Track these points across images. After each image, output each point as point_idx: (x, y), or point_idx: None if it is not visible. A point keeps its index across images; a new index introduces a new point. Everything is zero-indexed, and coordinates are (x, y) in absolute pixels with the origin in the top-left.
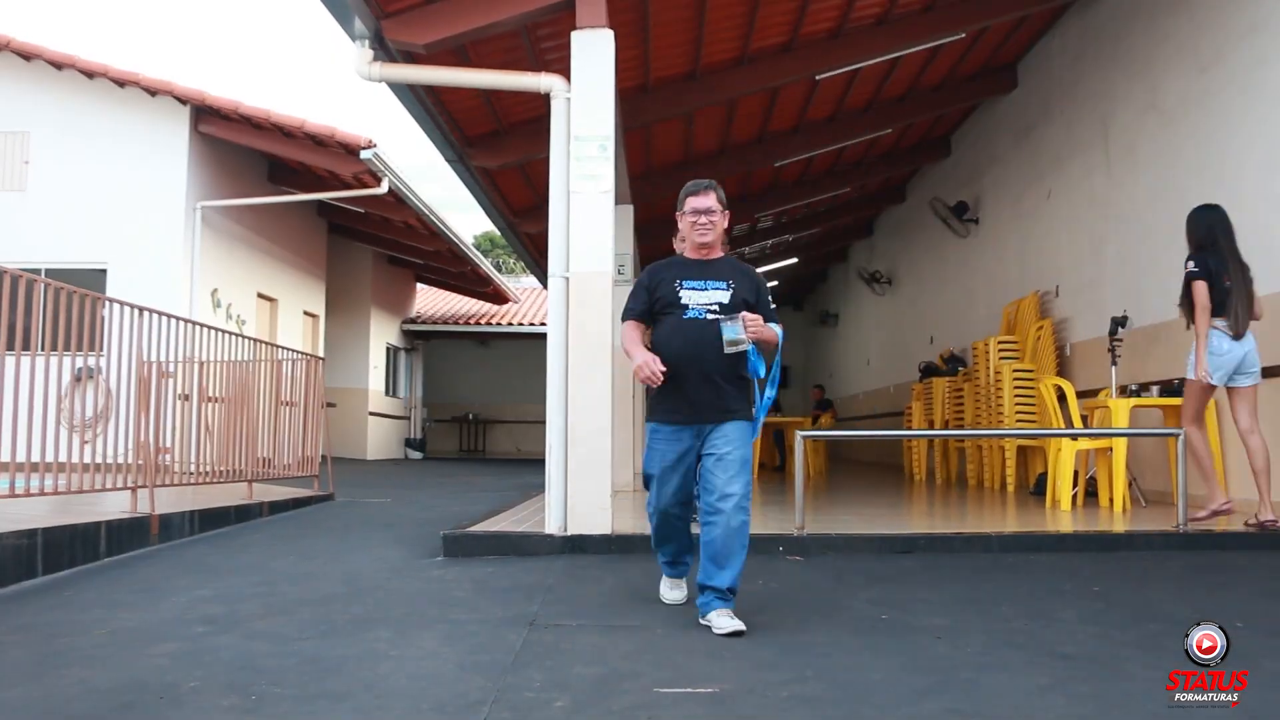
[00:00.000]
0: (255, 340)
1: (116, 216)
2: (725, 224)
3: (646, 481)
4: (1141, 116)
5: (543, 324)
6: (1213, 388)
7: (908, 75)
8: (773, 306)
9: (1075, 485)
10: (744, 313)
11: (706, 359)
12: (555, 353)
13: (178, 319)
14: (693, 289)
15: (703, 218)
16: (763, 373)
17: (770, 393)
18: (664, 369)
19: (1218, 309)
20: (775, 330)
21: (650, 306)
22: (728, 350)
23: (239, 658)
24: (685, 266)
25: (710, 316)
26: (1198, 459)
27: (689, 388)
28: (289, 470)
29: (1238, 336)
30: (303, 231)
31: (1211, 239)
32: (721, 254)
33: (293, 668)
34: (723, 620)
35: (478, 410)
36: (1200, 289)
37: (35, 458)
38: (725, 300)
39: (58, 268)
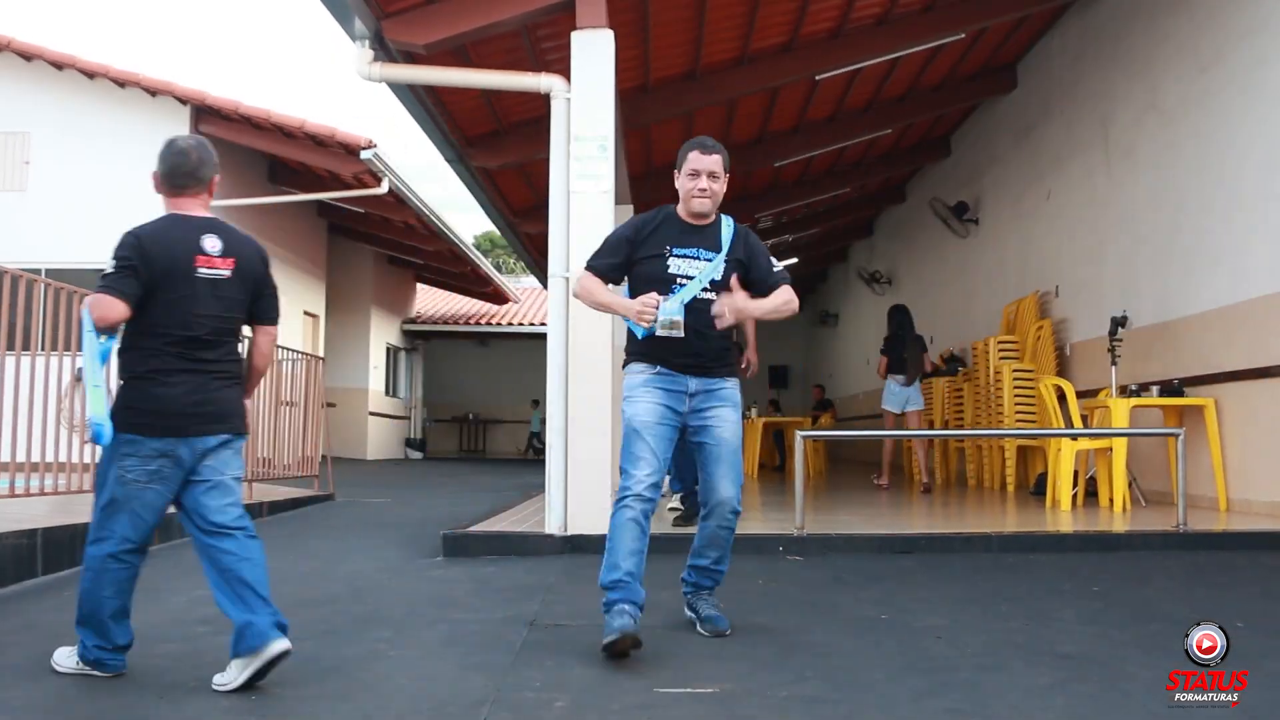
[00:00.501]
0: None
1: (117, 217)
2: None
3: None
4: (1141, 117)
5: (543, 324)
6: (895, 413)
7: (908, 75)
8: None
9: (1075, 485)
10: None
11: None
12: (555, 353)
13: None
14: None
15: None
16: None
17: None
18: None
19: (896, 369)
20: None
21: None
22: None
23: None
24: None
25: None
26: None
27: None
28: (289, 470)
29: (906, 384)
30: (303, 231)
31: (895, 328)
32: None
33: (293, 668)
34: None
35: (478, 410)
36: (881, 363)
37: (35, 457)
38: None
39: (58, 268)
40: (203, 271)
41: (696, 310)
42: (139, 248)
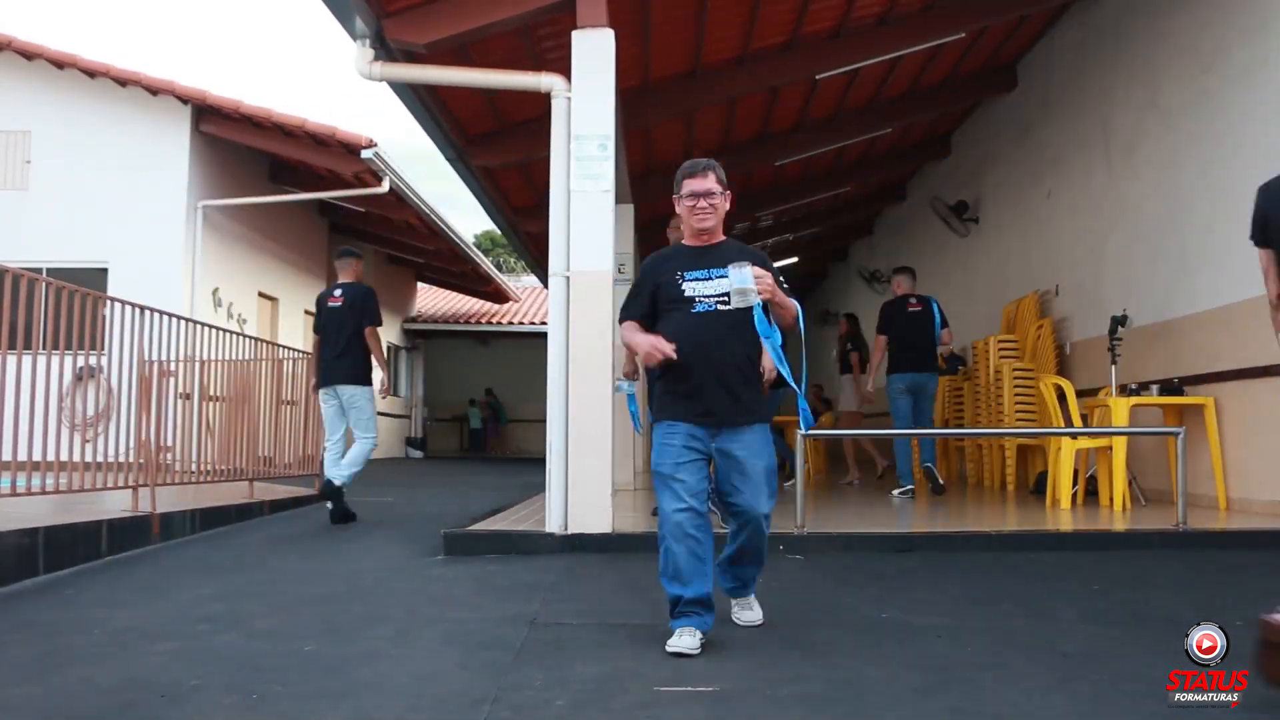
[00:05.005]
0: (256, 339)
1: (118, 216)
2: (727, 206)
3: (658, 488)
4: (1142, 116)
5: (544, 323)
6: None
7: (908, 75)
8: (785, 286)
9: (1075, 484)
10: (751, 265)
11: (721, 357)
12: (556, 352)
13: (179, 318)
14: (696, 279)
15: (702, 201)
16: (778, 340)
17: (787, 371)
18: (673, 347)
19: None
20: (793, 303)
21: (652, 306)
22: (735, 303)
23: (240, 656)
24: (686, 256)
25: (721, 308)
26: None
27: (704, 391)
28: (290, 469)
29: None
30: (303, 230)
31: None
32: (723, 238)
33: (294, 666)
34: (744, 611)
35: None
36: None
37: (37, 456)
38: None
39: (59, 267)
40: None
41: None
42: None
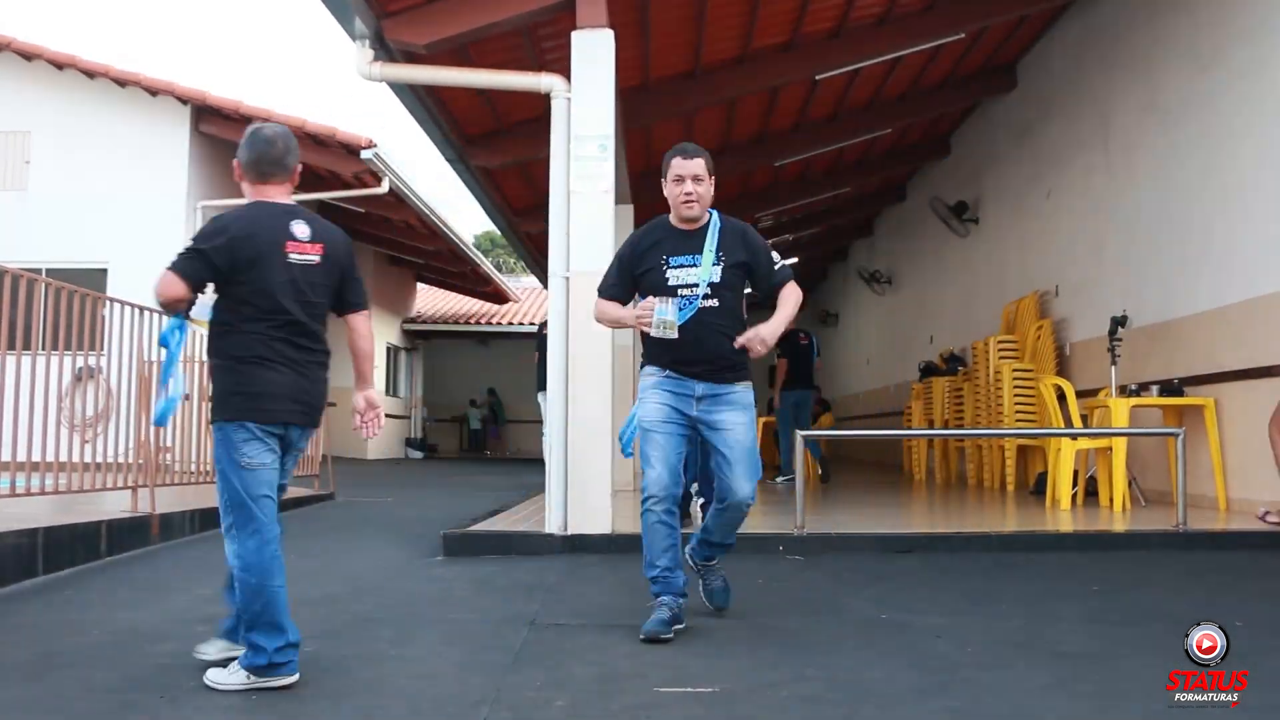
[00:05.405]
0: None
1: (117, 216)
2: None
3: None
4: (1141, 116)
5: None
6: None
7: (908, 75)
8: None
9: (1075, 485)
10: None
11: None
12: (555, 353)
13: None
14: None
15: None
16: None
17: None
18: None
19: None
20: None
21: (632, 290)
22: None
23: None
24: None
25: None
26: None
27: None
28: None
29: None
30: None
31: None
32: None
33: None
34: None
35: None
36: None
37: (36, 457)
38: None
39: (59, 267)
40: (294, 257)
41: (701, 318)
42: (220, 233)
